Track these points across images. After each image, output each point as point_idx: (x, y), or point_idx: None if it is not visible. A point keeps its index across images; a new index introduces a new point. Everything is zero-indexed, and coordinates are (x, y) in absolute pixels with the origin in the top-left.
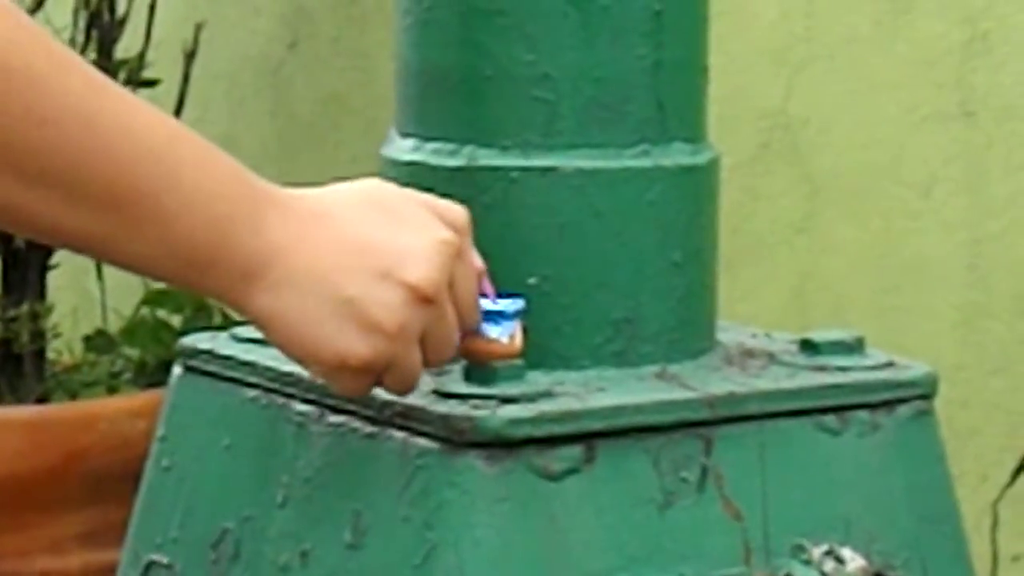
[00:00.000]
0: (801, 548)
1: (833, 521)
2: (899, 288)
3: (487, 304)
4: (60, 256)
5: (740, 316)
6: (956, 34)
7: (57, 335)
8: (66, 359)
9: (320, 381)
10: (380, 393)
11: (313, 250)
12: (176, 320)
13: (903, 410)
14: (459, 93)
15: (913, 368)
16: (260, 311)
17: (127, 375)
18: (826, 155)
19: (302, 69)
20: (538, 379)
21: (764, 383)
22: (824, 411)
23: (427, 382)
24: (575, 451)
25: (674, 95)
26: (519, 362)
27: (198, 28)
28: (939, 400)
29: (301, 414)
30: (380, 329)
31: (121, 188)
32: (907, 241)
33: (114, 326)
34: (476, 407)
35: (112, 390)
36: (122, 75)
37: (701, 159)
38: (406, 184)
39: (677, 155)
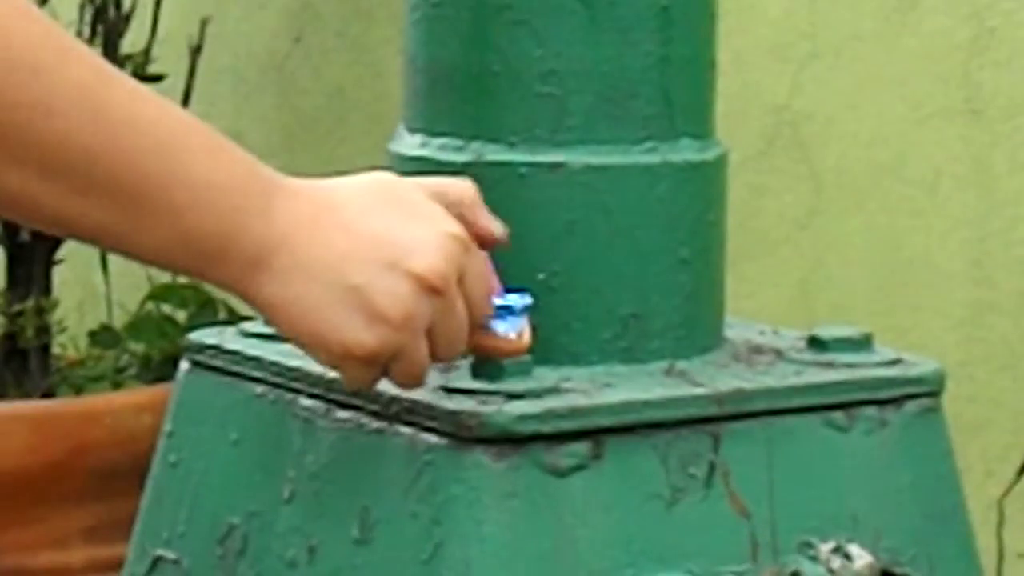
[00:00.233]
0: (808, 545)
1: (840, 517)
2: (904, 285)
3: (495, 300)
4: (65, 251)
5: (745, 312)
6: (962, 31)
7: (62, 330)
8: (71, 354)
9: (329, 372)
10: (388, 388)
11: (321, 239)
12: (181, 315)
13: (911, 407)
14: (466, 89)
15: (921, 365)
16: (267, 299)
17: (132, 370)
18: (831, 152)
19: (307, 63)
20: (546, 375)
21: (772, 379)
22: (832, 408)
23: (434, 378)
24: (583, 447)
25: (682, 91)
26: (527, 358)
27: (204, 23)
28: (945, 396)
29: (308, 409)
30: (385, 318)
31: (131, 179)
32: (912, 238)
33: (119, 321)
34: (484, 403)
35: (117, 385)
36: (128, 70)
37: (709, 155)
38: None
39: (685, 151)
